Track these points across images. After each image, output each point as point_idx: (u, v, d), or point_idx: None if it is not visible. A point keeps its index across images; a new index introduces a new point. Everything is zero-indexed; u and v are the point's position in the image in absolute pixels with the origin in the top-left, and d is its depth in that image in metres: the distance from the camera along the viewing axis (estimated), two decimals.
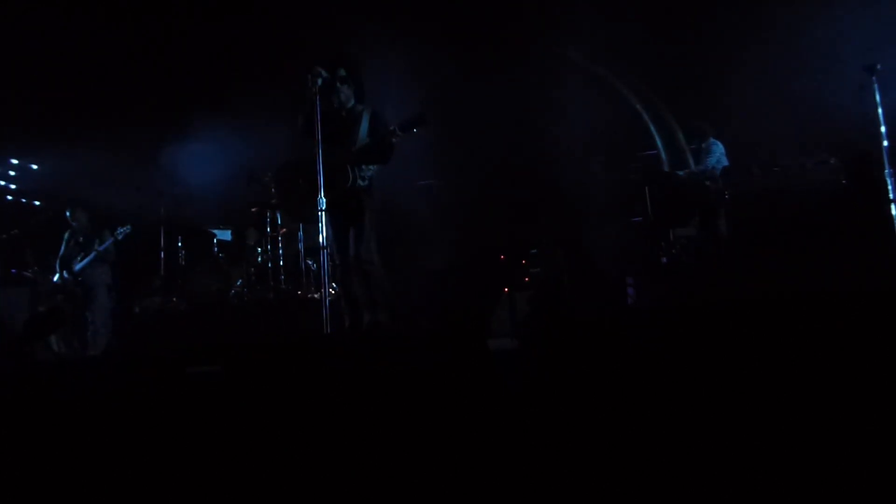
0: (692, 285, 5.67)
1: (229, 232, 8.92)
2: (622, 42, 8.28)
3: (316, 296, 7.03)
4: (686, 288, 5.66)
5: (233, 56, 8.84)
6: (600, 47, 8.67)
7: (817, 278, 4.97)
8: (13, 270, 7.89)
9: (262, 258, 8.15)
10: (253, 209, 8.19)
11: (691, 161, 7.90)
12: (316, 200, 4.27)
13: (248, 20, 8.55)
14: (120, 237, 7.43)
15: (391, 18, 7.64)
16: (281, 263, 7.88)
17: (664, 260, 6.80)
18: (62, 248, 7.55)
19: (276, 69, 8.50)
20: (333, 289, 5.82)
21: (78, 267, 7.34)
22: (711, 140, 7.10)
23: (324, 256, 4.34)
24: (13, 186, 9.96)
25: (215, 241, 8.79)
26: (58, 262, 7.51)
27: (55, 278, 7.46)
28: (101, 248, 7.33)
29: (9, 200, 9.89)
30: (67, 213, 7.63)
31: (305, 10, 8.24)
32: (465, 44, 8.67)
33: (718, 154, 7.02)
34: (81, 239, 7.51)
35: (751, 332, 2.64)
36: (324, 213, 4.30)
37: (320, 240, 4.33)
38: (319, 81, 4.41)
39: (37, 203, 10.07)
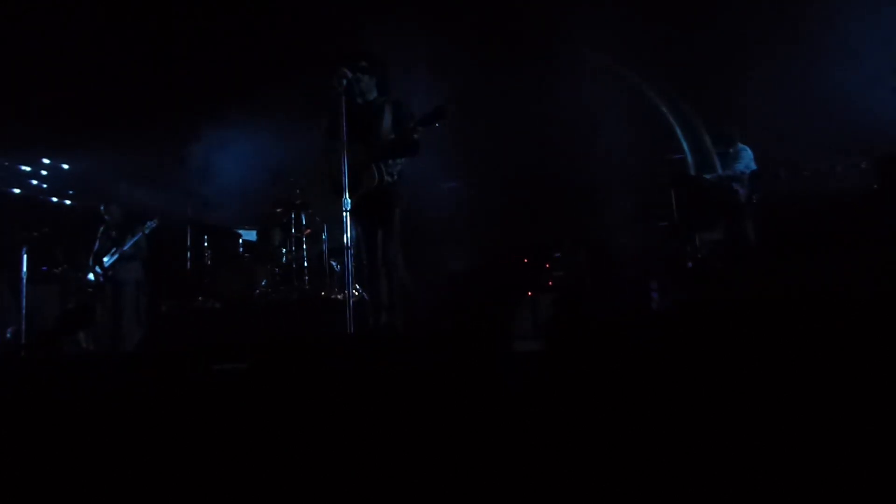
0: (718, 290, 5.61)
1: (255, 232, 8.99)
2: (647, 43, 8.22)
3: (340, 297, 7.06)
4: (711, 293, 5.60)
5: (260, 56, 8.92)
6: (625, 48, 8.62)
7: (847, 284, 4.88)
8: (44, 268, 8.02)
9: (286, 258, 8.20)
10: (278, 209, 8.25)
11: (718, 165, 7.81)
12: (342, 201, 4.26)
13: (275, 20, 8.62)
14: (147, 231, 7.49)
15: (418, 18, 7.66)
16: (305, 264, 7.93)
17: (689, 264, 6.74)
18: (96, 243, 7.64)
19: (302, 69, 8.57)
20: (357, 290, 5.84)
21: (108, 262, 7.43)
22: (740, 145, 7.02)
23: (348, 257, 4.35)
24: (45, 185, 10.15)
25: (241, 241, 8.86)
26: (91, 257, 7.60)
27: (89, 274, 7.55)
28: (130, 243, 7.40)
29: (40, 199, 10.07)
30: (102, 208, 7.72)
31: (331, 10, 8.28)
32: (490, 45, 8.66)
33: (747, 159, 6.94)
34: (114, 234, 7.60)
35: (777, 335, 2.61)
36: (348, 213, 4.30)
37: (345, 240, 4.33)
38: (344, 82, 4.40)
39: (67, 202, 10.25)
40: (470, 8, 8.37)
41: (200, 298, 8.13)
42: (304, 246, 7.99)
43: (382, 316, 4.58)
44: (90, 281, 7.55)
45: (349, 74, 4.46)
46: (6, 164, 9.63)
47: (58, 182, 10.25)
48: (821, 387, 2.39)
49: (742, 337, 2.64)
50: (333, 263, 7.62)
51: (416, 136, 4.32)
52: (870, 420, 2.23)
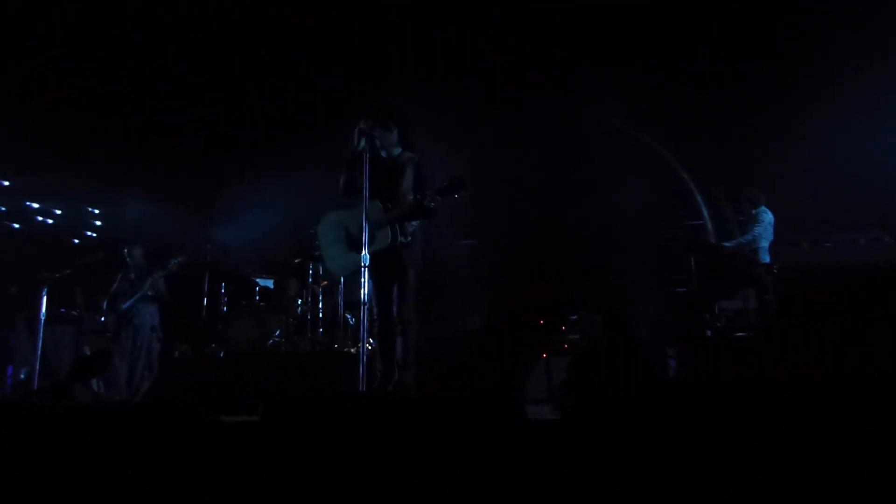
0: (736, 361, 5.50)
1: (272, 281, 9.03)
2: (669, 111, 8.30)
3: (352, 350, 7.02)
4: (730, 363, 5.49)
5: (286, 108, 9.12)
6: (647, 115, 8.71)
7: (867, 360, 4.78)
8: (62, 310, 8.06)
9: (301, 309, 8.21)
10: (296, 259, 8.30)
11: (738, 232, 7.78)
12: (359, 256, 4.28)
13: (301, 76, 8.82)
14: (173, 268, 7.41)
15: (439, 79, 7.80)
16: (320, 315, 7.93)
17: (708, 333, 6.64)
18: (114, 285, 7.61)
19: (327, 121, 8.73)
20: (371, 344, 5.81)
21: (126, 305, 7.38)
22: (762, 208, 6.99)
23: (364, 313, 4.34)
24: (68, 226, 10.32)
25: (257, 289, 8.90)
26: (106, 298, 7.58)
27: (102, 317, 7.53)
28: (148, 285, 7.36)
29: (63, 240, 10.22)
30: (125, 251, 7.71)
31: (356, 68, 8.46)
32: (510, 107, 8.79)
33: (766, 223, 6.89)
34: (132, 276, 7.57)
35: (797, 412, 2.55)
36: (366, 268, 4.31)
37: (361, 296, 4.32)
38: (363, 141, 4.45)
39: (90, 244, 10.39)
40: (490, 68, 8.53)
41: (213, 345, 8.14)
42: (320, 297, 8.00)
43: (394, 373, 4.54)
44: (103, 323, 7.52)
45: (369, 132, 4.51)
46: (33, 205, 9.82)
47: (81, 223, 10.43)
48: (838, 468, 2.32)
49: (758, 416, 2.58)
50: (348, 316, 7.61)
51: (432, 205, 4.32)
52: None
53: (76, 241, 10.37)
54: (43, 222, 10.02)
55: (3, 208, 9.54)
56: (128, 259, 7.68)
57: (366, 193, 4.36)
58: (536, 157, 8.71)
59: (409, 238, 4.59)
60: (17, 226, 9.63)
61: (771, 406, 2.57)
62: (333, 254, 4.91)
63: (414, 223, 4.63)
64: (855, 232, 6.38)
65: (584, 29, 7.95)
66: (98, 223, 10.52)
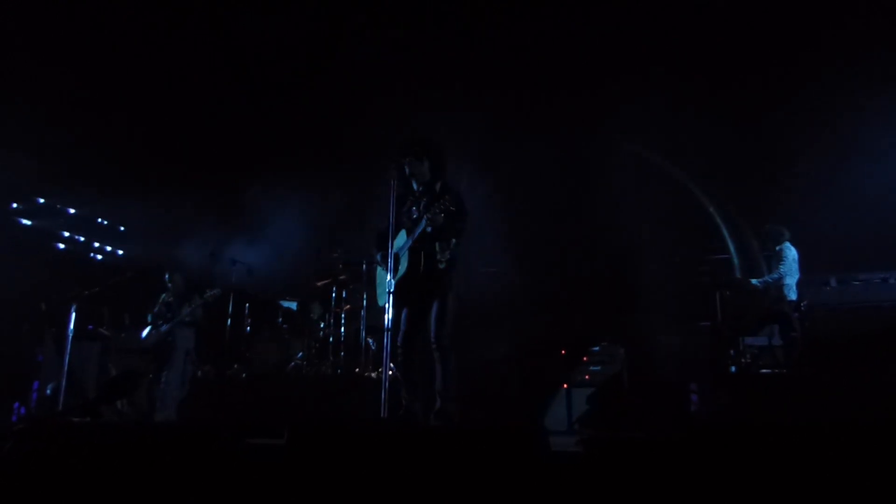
0: (760, 398, 5.43)
1: (295, 304, 9.09)
2: (697, 143, 8.28)
3: (373, 375, 7.04)
4: (754, 400, 5.42)
5: (315, 134, 9.24)
6: (674, 147, 8.70)
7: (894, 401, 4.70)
8: (90, 326, 8.16)
9: (324, 332, 8.25)
10: (319, 283, 8.36)
11: (764, 268, 7.70)
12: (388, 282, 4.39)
13: (330, 102, 8.94)
14: (210, 300, 7.51)
15: (465, 107, 7.85)
16: (342, 339, 7.97)
17: (732, 369, 6.56)
18: (156, 307, 7.71)
19: (353, 149, 8.85)
20: (392, 370, 5.82)
21: (164, 328, 7.46)
22: (786, 244, 6.88)
23: (387, 338, 4.38)
24: (97, 244, 10.51)
25: (281, 311, 8.97)
26: (149, 318, 7.67)
27: (143, 333, 7.59)
28: (187, 311, 7.44)
29: (92, 258, 10.41)
30: (167, 276, 7.81)
31: (384, 95, 8.55)
32: (538, 138, 8.83)
33: (790, 260, 6.78)
34: (171, 300, 7.66)
35: (830, 458, 2.52)
36: (391, 295, 4.39)
37: (385, 321, 4.40)
38: (392, 182, 4.56)
39: (117, 262, 10.55)
40: (518, 98, 8.58)
41: (236, 366, 8.20)
42: (343, 321, 8.05)
43: (437, 401, 4.48)
44: (143, 339, 7.57)
45: (402, 166, 4.64)
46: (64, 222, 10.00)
47: (111, 241, 10.62)
48: None
49: (781, 460, 2.56)
50: (370, 341, 7.63)
51: (430, 229, 4.41)
52: None
53: (100, 257, 10.55)
54: (74, 240, 10.21)
55: (39, 225, 9.74)
56: (169, 284, 7.77)
57: (391, 220, 4.46)
58: (562, 186, 8.72)
59: (446, 264, 4.56)
60: (48, 244, 9.83)
61: (801, 451, 2.55)
62: (381, 285, 4.98)
63: (450, 250, 4.62)
64: (885, 270, 6.32)
65: (612, 61, 7.99)
66: (125, 242, 10.72)
